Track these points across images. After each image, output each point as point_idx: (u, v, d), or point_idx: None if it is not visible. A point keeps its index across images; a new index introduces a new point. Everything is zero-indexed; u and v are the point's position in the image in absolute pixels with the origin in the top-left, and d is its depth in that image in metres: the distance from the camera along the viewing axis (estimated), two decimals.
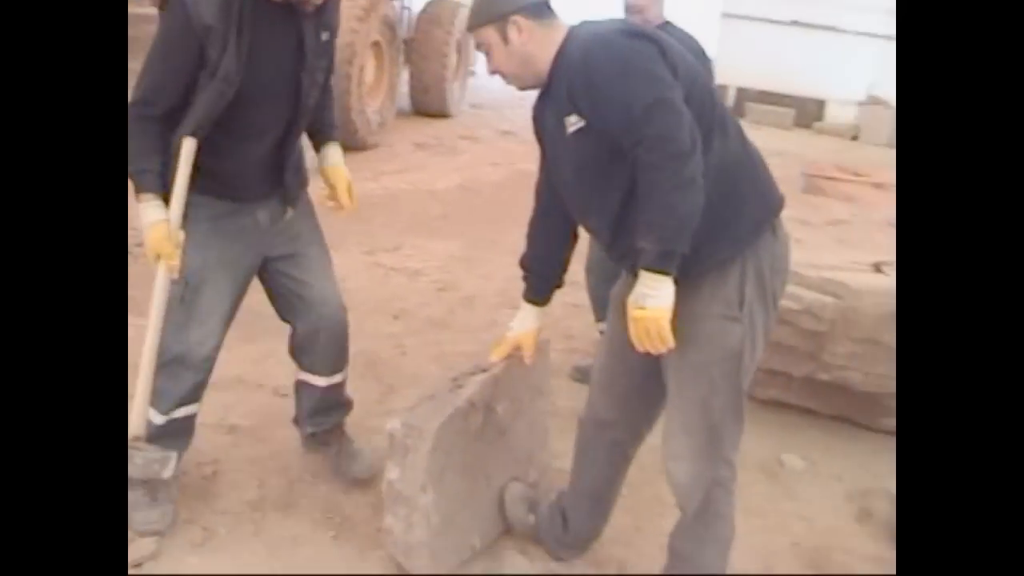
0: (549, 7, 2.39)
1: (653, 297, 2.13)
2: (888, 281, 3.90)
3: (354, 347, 4.15)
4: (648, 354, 2.34)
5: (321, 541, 2.79)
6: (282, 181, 2.79)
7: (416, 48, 10.40)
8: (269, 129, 2.67)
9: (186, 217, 2.57)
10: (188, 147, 2.51)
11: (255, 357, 3.93)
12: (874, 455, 3.77)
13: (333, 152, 3.00)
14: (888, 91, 14.81)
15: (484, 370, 2.76)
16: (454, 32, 10.61)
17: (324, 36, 2.68)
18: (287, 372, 3.80)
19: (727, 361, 2.32)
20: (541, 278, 2.70)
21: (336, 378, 3.10)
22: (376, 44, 8.71)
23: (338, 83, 7.75)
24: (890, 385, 3.80)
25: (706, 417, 2.37)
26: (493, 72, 2.45)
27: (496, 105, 12.64)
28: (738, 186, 2.28)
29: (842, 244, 4.38)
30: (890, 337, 3.73)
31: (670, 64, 2.17)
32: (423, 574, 2.58)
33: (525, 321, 2.73)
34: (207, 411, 3.35)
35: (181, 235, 2.56)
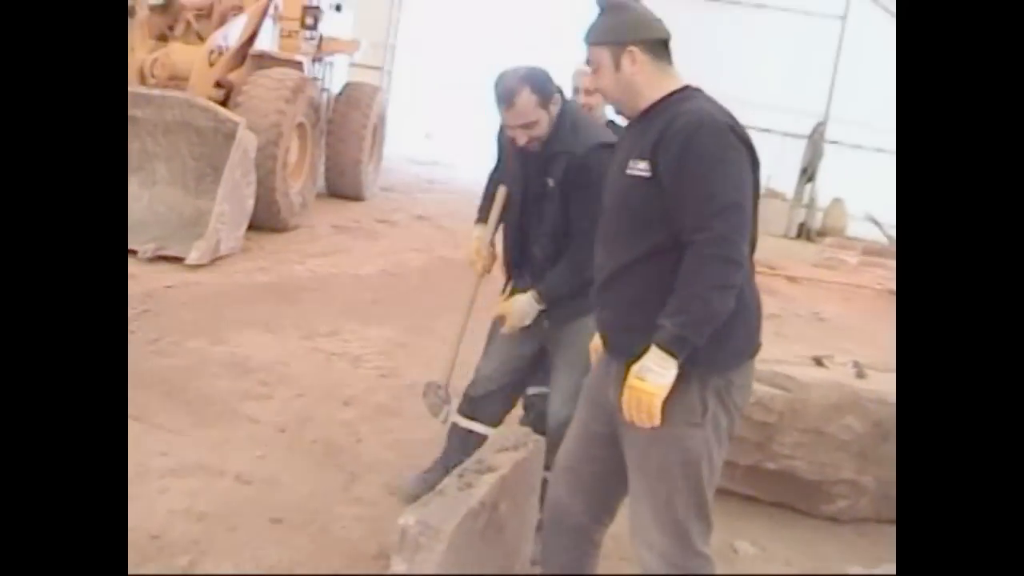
0: (667, 50, 2.46)
1: (657, 373, 2.24)
2: (830, 374, 4.12)
3: (311, 434, 4.17)
4: (613, 448, 2.52)
5: None
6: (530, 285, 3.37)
7: (333, 131, 10.44)
8: (517, 239, 3.46)
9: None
10: (501, 192, 3.53)
11: (212, 443, 3.88)
12: (818, 539, 3.94)
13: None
14: (782, 184, 15.55)
15: (490, 468, 2.82)
16: (371, 115, 10.72)
17: (550, 182, 3.24)
18: (246, 458, 3.79)
19: (689, 464, 2.41)
20: None
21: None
22: (301, 126, 8.74)
23: (263, 163, 7.76)
24: (832, 473, 3.99)
25: (671, 513, 2.45)
26: (595, 89, 2.54)
27: (406, 189, 12.75)
28: (736, 316, 2.35)
29: (780, 337, 4.61)
30: (833, 427, 3.93)
31: (753, 179, 2.32)
32: None
33: None
34: (174, 498, 3.30)
35: (488, 250, 3.61)
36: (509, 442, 3.05)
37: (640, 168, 2.34)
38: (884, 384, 4.06)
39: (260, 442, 3.99)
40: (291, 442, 4.06)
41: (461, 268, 8.10)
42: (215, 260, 7.01)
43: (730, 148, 2.29)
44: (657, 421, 2.27)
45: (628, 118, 2.52)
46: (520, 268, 3.48)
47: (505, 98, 3.14)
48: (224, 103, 8.19)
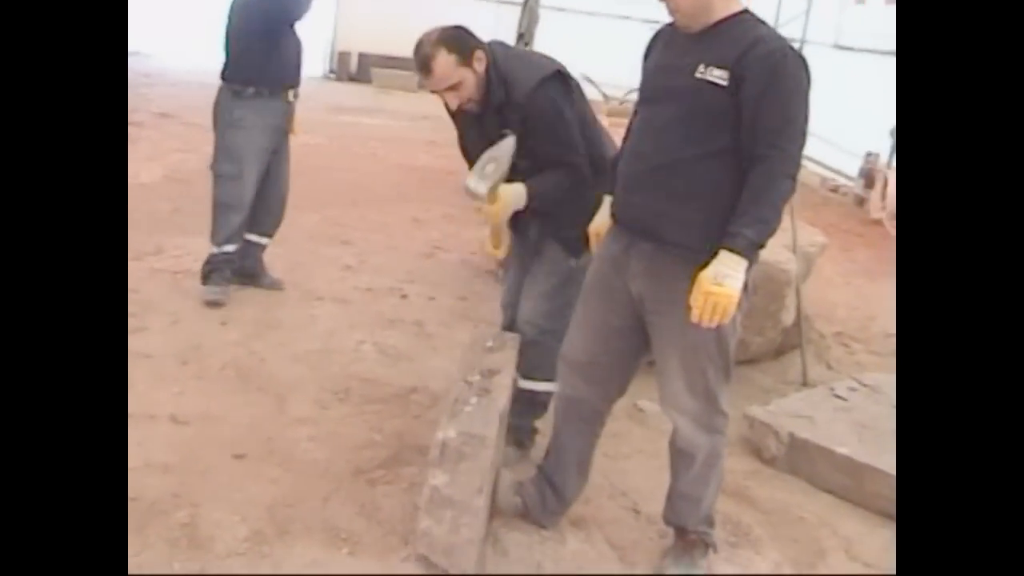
0: None
1: (733, 278, 2.41)
2: None
3: (214, 361, 3.99)
4: (632, 336, 2.76)
5: (340, 559, 2.76)
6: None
7: None
8: None
9: None
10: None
11: None
12: None
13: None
14: None
15: (492, 371, 2.89)
16: None
17: (508, 133, 3.08)
18: (165, 397, 3.62)
19: (721, 341, 2.67)
20: None
21: (525, 383, 3.35)
22: None
23: None
24: None
25: (704, 381, 2.72)
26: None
27: (127, 85, 11.81)
28: None
29: None
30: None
31: None
32: (468, 571, 2.66)
33: (603, 215, 2.91)
34: (128, 453, 3.09)
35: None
36: (490, 343, 3.14)
37: (715, 75, 2.46)
38: None
39: (168, 378, 3.77)
40: (199, 373, 3.86)
41: None
42: None
43: (807, 80, 2.49)
44: (728, 320, 2.45)
45: (688, 29, 2.59)
46: (514, 218, 3.27)
47: (423, 65, 3.02)
48: None
